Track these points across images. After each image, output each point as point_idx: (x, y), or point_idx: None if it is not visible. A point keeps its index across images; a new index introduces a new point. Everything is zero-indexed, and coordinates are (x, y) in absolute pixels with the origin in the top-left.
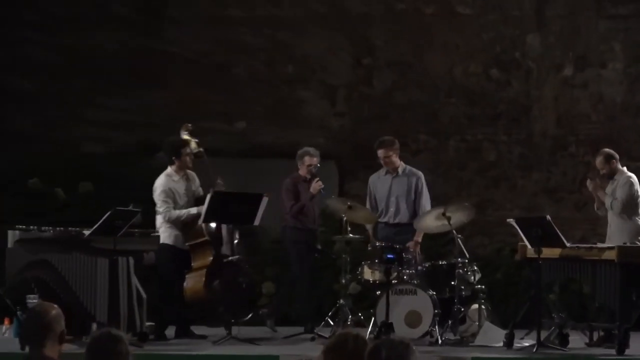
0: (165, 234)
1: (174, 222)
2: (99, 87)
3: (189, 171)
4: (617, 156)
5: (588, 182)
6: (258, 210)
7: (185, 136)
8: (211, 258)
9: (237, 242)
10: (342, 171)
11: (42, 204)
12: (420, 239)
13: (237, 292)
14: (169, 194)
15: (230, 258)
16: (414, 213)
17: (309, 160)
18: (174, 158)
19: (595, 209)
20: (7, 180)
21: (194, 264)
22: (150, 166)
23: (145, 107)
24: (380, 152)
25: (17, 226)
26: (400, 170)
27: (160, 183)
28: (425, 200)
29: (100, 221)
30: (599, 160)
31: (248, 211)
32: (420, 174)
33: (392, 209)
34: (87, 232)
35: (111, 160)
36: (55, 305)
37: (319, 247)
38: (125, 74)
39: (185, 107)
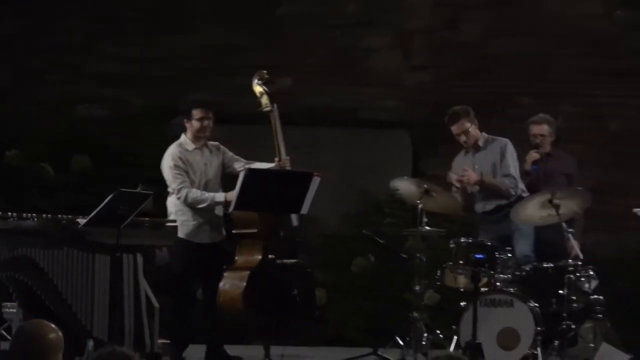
0: (178, 224)
1: (190, 206)
2: (101, 31)
3: (213, 142)
4: None
5: None
6: (306, 194)
7: (257, 86)
8: (259, 257)
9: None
10: (418, 144)
11: (23, 184)
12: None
13: (287, 306)
14: (182, 166)
15: (285, 261)
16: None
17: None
18: (185, 121)
19: None
20: None
21: (238, 259)
22: (166, 135)
23: (160, 57)
24: (455, 128)
25: None
26: (481, 142)
27: (169, 153)
28: (509, 166)
29: (100, 207)
30: None
31: (293, 195)
32: (506, 140)
33: (481, 194)
34: (82, 221)
35: (113, 127)
36: (55, 327)
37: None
38: (134, 13)
39: (211, 58)
